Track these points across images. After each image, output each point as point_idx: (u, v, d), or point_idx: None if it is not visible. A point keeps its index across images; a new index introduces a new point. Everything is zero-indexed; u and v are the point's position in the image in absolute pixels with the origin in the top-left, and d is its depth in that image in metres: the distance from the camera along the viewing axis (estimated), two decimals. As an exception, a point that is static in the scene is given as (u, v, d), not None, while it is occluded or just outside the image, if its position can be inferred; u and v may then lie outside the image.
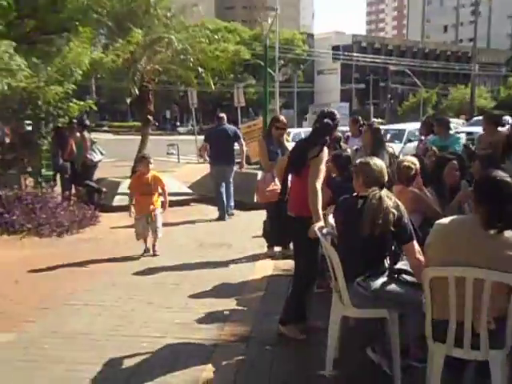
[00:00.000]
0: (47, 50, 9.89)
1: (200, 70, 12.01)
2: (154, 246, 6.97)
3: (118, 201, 10.27)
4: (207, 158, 9.57)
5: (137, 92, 10.76)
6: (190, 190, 11.53)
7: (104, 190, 10.37)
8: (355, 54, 66.14)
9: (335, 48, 42.41)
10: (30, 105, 8.34)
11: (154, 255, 6.93)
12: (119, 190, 10.58)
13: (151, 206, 6.44)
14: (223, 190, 9.42)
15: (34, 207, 8.15)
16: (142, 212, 6.48)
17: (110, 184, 10.99)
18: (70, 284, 5.75)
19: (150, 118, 11.60)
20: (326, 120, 4.21)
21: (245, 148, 9.83)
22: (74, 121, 9.82)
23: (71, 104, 8.85)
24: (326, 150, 4.13)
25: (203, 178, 12.02)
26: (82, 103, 9.03)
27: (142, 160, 6.58)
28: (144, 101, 11.38)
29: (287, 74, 67.14)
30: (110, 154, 25.88)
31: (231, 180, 9.53)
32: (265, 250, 6.91)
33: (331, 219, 4.12)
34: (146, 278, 6.00)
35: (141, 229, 6.57)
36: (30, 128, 9.06)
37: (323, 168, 4.07)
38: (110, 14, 11.28)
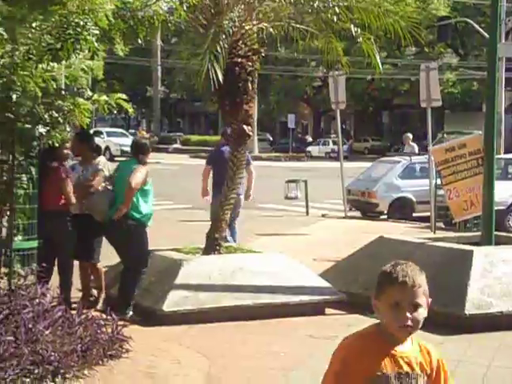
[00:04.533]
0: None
1: (354, 30, 11.37)
2: None
3: (175, 302, 10.02)
4: (208, 198, 14.07)
5: (220, 76, 9.98)
6: (325, 283, 11.14)
7: None
8: None
9: None
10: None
11: None
12: (178, 280, 10.29)
13: None
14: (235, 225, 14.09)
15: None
16: None
17: (163, 264, 10.92)
18: None
19: (247, 128, 11.01)
20: None
21: (254, 175, 14.23)
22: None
23: (80, 100, 8.83)
24: None
25: (354, 257, 12.25)
26: (102, 99, 9.05)
27: None
28: (235, 94, 10.89)
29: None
30: (178, 195, 25.36)
31: (236, 220, 13.91)
32: None
33: None
34: None
35: None
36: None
37: None
38: None
